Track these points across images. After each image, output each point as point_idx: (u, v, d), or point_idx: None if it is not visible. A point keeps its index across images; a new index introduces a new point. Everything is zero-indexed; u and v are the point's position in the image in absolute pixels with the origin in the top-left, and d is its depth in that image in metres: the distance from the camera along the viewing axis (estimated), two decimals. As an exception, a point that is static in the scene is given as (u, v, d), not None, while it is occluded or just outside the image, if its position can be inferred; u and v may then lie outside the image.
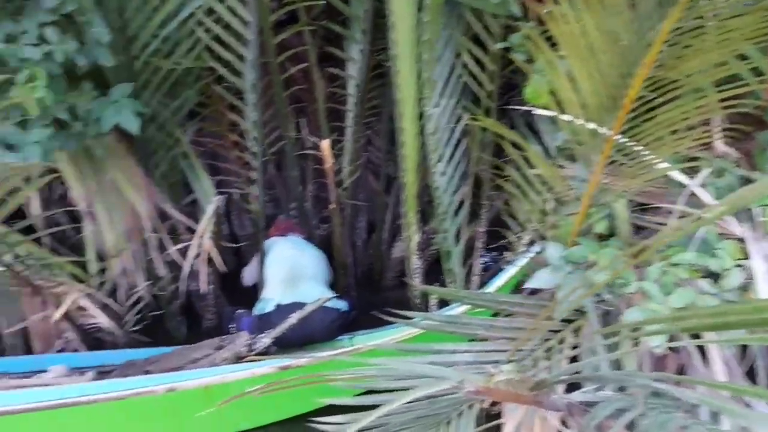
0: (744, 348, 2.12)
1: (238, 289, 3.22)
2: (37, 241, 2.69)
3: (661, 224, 2.30)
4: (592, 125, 2.17)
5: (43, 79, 2.10)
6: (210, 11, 2.58)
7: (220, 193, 2.95)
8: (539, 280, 2.27)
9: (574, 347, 2.08)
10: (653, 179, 2.23)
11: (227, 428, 2.56)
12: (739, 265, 2.03)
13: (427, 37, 2.40)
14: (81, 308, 2.70)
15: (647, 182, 2.23)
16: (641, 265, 2.10)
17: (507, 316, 2.26)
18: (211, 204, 2.74)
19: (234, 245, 3.34)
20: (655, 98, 2.10)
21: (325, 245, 3.32)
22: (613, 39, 2.04)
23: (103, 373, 2.64)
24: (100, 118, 2.38)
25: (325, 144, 2.77)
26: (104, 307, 2.76)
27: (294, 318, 2.58)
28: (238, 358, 2.54)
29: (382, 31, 2.72)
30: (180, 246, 2.86)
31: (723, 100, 2.06)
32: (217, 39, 2.65)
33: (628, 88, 2.04)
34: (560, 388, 1.77)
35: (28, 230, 2.63)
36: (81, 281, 2.72)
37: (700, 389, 1.78)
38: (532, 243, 2.76)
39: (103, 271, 2.80)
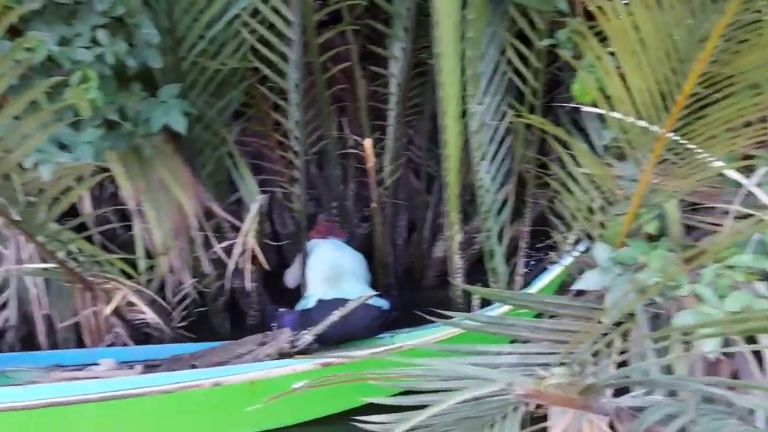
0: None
1: (280, 288, 3.25)
2: (89, 238, 2.77)
3: (714, 225, 2.22)
4: (642, 123, 2.11)
5: (95, 81, 2.15)
6: (255, 12, 2.61)
7: (263, 192, 2.99)
8: (587, 281, 2.22)
9: (622, 352, 2.03)
10: (706, 178, 2.16)
11: (271, 423, 2.60)
12: (798, 268, 1.95)
13: (471, 34, 2.38)
14: (130, 304, 2.76)
15: (700, 182, 2.16)
16: (694, 268, 2.03)
17: (551, 317, 2.22)
18: (255, 203, 2.77)
19: (276, 244, 3.37)
20: (709, 95, 2.03)
21: (366, 244, 3.32)
22: (666, 34, 1.98)
23: (150, 367, 2.71)
24: (149, 119, 2.43)
25: (368, 143, 2.77)
26: (152, 303, 2.82)
27: (336, 315, 2.59)
28: (281, 354, 2.57)
29: (424, 28, 2.70)
30: (225, 244, 2.90)
31: (782, 96, 1.98)
32: (262, 40, 2.68)
33: (681, 85, 1.98)
34: (608, 391, 1.73)
35: (80, 228, 2.71)
36: (130, 278, 2.79)
37: (755, 395, 1.72)
38: (577, 242, 2.71)
39: (151, 268, 2.86)
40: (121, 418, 2.40)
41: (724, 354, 2.00)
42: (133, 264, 2.82)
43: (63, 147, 2.26)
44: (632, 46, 2.03)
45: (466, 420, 1.74)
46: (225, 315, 3.21)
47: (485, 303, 2.92)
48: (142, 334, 2.93)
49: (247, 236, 2.78)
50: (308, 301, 2.88)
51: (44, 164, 2.22)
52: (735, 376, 2.08)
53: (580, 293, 2.36)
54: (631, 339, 2.09)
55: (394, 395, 1.78)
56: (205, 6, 2.54)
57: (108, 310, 2.72)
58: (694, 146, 2.11)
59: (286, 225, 3.49)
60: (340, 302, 2.65)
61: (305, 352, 2.60)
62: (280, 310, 3.02)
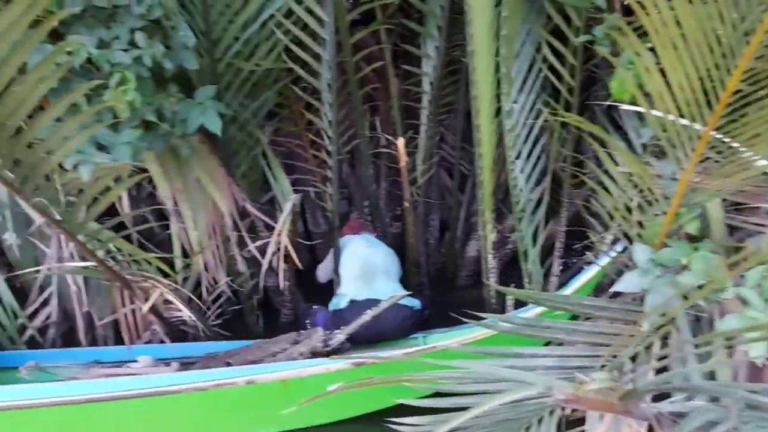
0: None
1: (313, 286, 3.27)
2: (127, 238, 2.82)
3: (759, 225, 2.15)
4: (684, 121, 2.05)
5: (133, 83, 2.19)
6: (288, 13, 2.62)
7: (297, 191, 3.00)
8: (626, 283, 2.17)
9: (661, 358, 1.98)
10: (750, 178, 2.09)
11: (303, 422, 2.61)
12: None
13: (505, 31, 2.34)
14: (167, 302, 2.81)
15: (744, 181, 2.09)
16: (738, 270, 1.97)
17: (587, 319, 2.18)
18: (289, 202, 2.79)
19: (309, 243, 3.39)
20: (753, 92, 1.96)
21: (398, 243, 3.32)
22: (709, 28, 1.92)
23: (186, 364, 2.75)
24: (186, 119, 2.46)
25: (401, 142, 2.76)
26: (188, 302, 2.86)
27: (368, 315, 2.58)
28: (314, 353, 2.58)
29: (458, 26, 2.68)
30: (259, 243, 2.93)
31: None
32: (295, 40, 2.69)
33: (724, 81, 1.92)
34: (647, 397, 1.69)
35: (119, 227, 2.76)
36: (167, 276, 2.83)
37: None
38: (614, 242, 2.66)
39: (187, 266, 2.90)
40: (157, 414, 2.44)
41: (771, 359, 1.94)
42: (169, 263, 2.86)
43: (102, 148, 2.30)
44: (673, 41, 1.97)
45: (502, 423, 1.72)
46: (259, 313, 3.24)
47: (519, 304, 2.89)
48: (178, 332, 2.98)
49: (281, 235, 2.80)
50: (341, 301, 2.88)
51: (84, 165, 2.26)
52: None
53: (616, 295, 2.30)
54: (671, 343, 2.04)
55: (426, 397, 1.77)
56: (240, 8, 2.57)
57: (145, 308, 2.77)
58: (737, 144, 2.04)
59: (319, 224, 3.51)
60: (372, 303, 2.64)
61: (338, 351, 2.60)
62: (314, 307, 3.04)
